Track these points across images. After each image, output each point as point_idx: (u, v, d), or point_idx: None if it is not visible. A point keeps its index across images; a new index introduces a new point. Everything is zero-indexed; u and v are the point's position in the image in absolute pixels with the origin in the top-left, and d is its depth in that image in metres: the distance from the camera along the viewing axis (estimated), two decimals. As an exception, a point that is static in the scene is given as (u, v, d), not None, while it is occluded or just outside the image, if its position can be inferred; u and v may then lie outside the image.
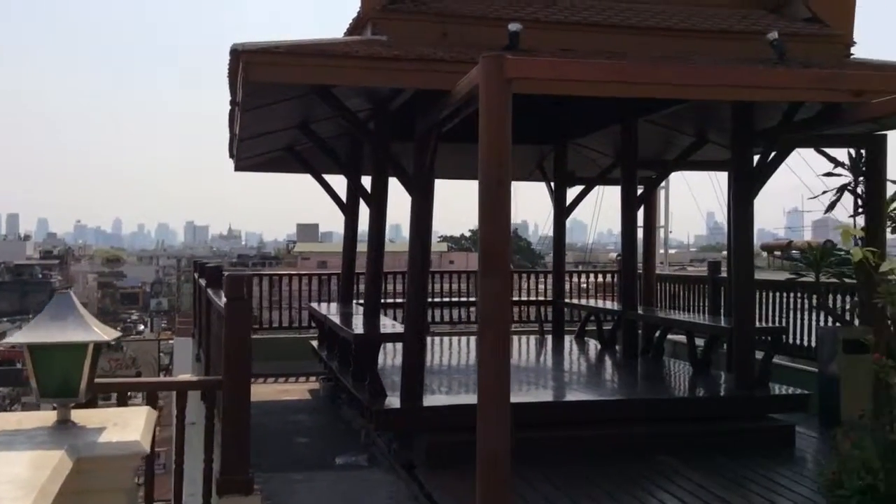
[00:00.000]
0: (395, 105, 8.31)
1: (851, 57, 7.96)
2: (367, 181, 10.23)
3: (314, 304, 12.00)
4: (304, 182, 12.39)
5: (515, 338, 13.10)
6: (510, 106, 5.32)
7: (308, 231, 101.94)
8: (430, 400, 7.75)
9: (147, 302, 79.26)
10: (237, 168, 12.06)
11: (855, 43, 8.00)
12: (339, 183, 11.59)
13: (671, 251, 37.82)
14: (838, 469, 5.39)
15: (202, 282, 9.71)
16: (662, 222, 20.90)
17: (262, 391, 10.34)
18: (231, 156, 10.98)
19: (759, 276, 10.68)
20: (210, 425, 5.58)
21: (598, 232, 30.21)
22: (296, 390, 10.93)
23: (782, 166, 8.71)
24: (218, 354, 6.24)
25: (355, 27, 7.77)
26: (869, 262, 5.42)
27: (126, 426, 3.22)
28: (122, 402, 5.08)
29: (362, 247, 10.66)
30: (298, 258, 69.36)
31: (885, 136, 8.60)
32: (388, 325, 8.95)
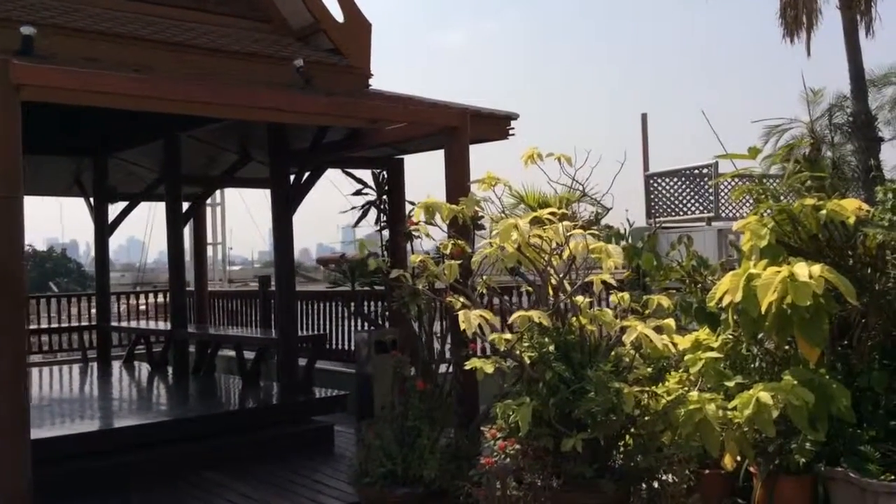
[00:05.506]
0: None
1: (370, 88, 8.87)
2: None
3: None
4: None
5: (55, 368, 12.07)
6: (19, 114, 5.00)
7: None
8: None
9: None
10: None
11: (372, 75, 8.95)
12: None
13: (236, 268, 37.94)
14: (364, 459, 5.96)
15: None
16: (220, 239, 21.01)
17: None
18: None
19: (316, 288, 11.31)
20: None
21: (158, 251, 29.06)
22: None
23: (329, 185, 9.38)
24: None
25: None
26: (382, 270, 6.13)
27: None
28: None
29: None
30: None
31: (403, 159, 9.74)
32: None
